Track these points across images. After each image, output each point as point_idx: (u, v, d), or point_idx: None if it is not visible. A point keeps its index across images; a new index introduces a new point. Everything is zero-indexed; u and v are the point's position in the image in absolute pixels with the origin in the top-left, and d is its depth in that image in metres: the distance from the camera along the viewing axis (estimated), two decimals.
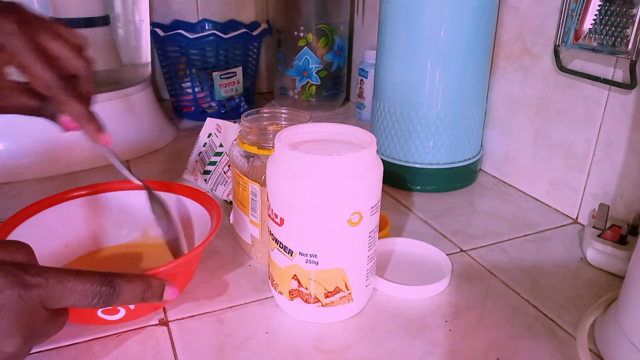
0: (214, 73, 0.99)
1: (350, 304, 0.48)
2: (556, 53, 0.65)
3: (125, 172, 0.49)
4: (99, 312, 0.43)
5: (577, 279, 0.56)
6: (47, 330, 0.34)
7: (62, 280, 0.33)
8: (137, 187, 0.57)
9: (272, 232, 0.47)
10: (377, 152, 0.48)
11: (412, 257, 0.58)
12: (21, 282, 0.31)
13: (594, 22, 0.59)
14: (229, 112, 1.04)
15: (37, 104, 0.46)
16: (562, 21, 0.63)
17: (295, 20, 1.04)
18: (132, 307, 0.44)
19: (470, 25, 0.68)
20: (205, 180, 0.72)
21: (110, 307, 0.42)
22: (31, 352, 0.35)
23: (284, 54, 1.08)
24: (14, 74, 0.44)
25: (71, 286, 0.33)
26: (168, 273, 0.42)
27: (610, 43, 0.57)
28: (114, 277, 0.35)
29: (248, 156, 0.54)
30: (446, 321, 0.49)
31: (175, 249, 0.52)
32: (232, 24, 1.11)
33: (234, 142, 0.56)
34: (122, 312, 0.44)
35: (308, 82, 1.08)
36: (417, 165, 0.74)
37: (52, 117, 0.46)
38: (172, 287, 0.39)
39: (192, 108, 1.03)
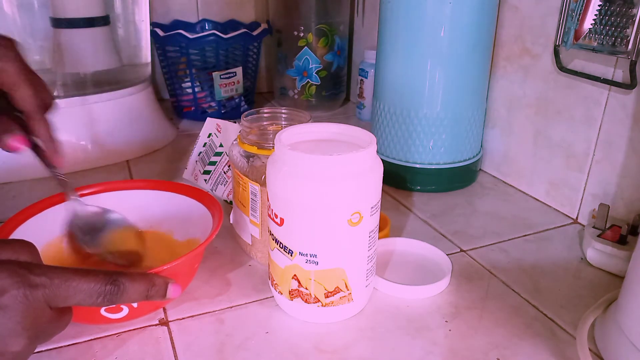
0: (214, 73, 0.99)
1: (350, 304, 0.48)
2: (556, 53, 0.65)
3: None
4: (102, 311, 0.43)
5: (577, 279, 0.56)
6: (52, 330, 0.34)
7: (66, 280, 0.33)
8: (141, 187, 0.57)
9: (272, 232, 0.47)
10: (377, 152, 0.48)
11: (412, 257, 0.58)
12: (26, 282, 0.31)
13: (594, 22, 0.59)
14: (229, 112, 1.04)
15: None
16: (562, 21, 0.63)
17: (295, 20, 1.04)
18: (135, 305, 0.44)
19: (470, 25, 0.68)
20: (205, 180, 0.72)
21: (114, 306, 0.42)
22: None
23: (284, 54, 1.08)
24: None
25: (76, 285, 0.33)
26: (170, 271, 0.43)
27: (610, 43, 0.57)
28: (118, 276, 0.35)
29: (248, 156, 0.54)
30: (446, 321, 0.49)
31: None
32: (232, 24, 1.11)
33: (234, 142, 0.56)
34: (125, 310, 0.44)
35: (308, 82, 1.08)
36: (417, 165, 0.74)
37: None
38: (175, 285, 0.39)
39: (192, 108, 1.03)
